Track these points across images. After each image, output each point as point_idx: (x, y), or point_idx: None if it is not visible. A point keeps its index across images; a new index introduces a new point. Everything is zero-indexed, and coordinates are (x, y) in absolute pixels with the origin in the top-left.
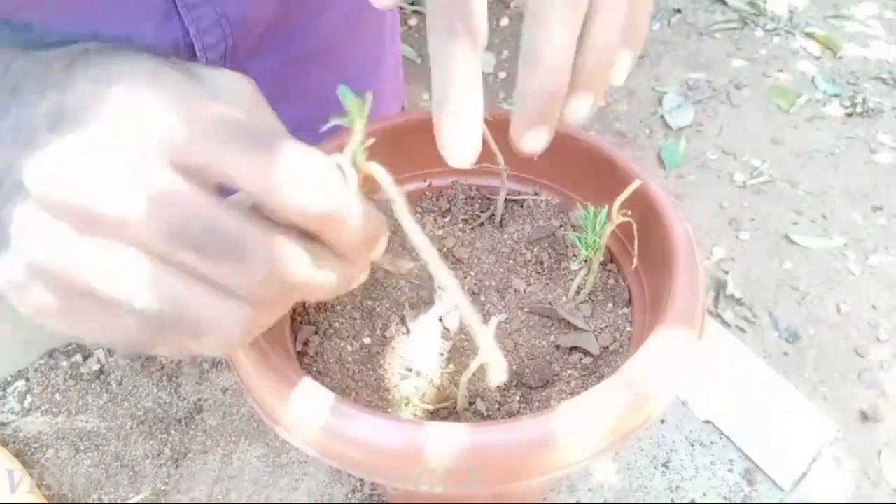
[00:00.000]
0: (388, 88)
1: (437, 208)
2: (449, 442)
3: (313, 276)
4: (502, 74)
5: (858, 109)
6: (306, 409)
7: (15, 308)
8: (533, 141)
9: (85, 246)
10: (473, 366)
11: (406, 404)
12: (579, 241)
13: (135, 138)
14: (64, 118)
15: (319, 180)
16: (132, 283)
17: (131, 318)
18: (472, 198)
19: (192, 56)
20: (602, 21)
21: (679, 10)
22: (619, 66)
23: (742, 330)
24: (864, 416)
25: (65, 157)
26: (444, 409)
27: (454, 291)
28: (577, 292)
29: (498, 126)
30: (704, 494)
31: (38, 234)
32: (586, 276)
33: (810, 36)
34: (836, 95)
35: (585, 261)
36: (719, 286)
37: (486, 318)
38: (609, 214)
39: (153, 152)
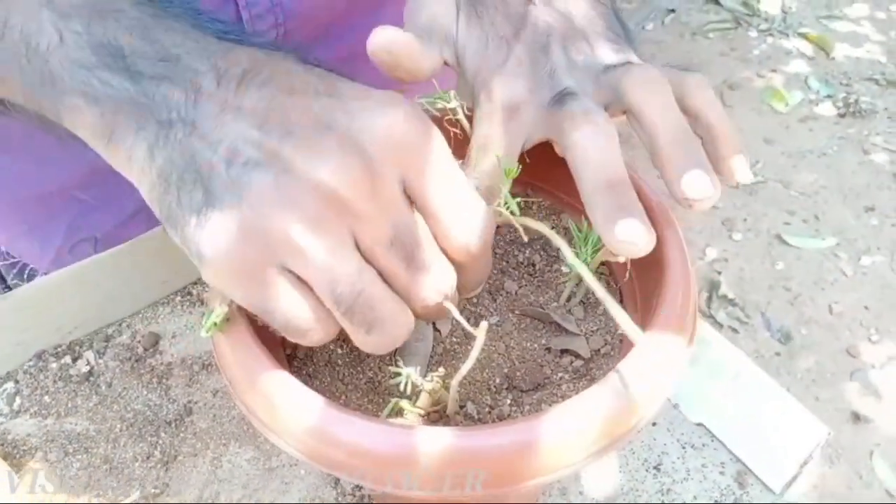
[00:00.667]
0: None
1: None
2: (438, 446)
3: (453, 300)
4: None
5: (851, 110)
6: (295, 413)
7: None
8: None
9: (310, 224)
10: (464, 369)
11: (396, 408)
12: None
13: (387, 157)
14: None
15: (490, 225)
16: (339, 266)
17: (316, 298)
18: None
19: None
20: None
21: (673, 10)
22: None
23: (734, 330)
24: (856, 417)
25: (328, 147)
26: (435, 413)
27: None
28: (569, 298)
29: None
30: (696, 497)
31: (289, 209)
32: (577, 286)
33: (803, 36)
34: (828, 96)
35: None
36: (712, 286)
37: (477, 320)
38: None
39: (392, 165)
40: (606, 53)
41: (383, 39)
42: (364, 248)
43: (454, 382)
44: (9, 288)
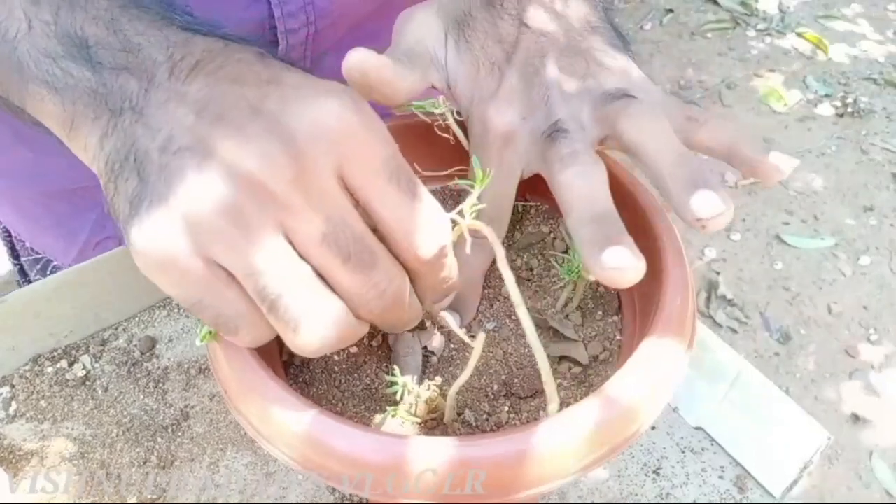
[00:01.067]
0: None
1: None
2: (434, 456)
3: (409, 306)
4: None
5: (849, 110)
6: (289, 422)
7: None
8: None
9: (232, 212)
10: (461, 378)
11: (394, 416)
12: (561, 268)
13: (317, 146)
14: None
15: (443, 230)
16: (261, 258)
17: (243, 293)
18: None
19: (273, 39)
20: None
21: (671, 10)
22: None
23: (733, 330)
24: (856, 417)
25: (264, 136)
26: (433, 420)
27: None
28: (566, 304)
29: None
30: (695, 501)
31: (208, 195)
32: (573, 291)
33: (801, 36)
34: (827, 96)
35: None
36: (711, 287)
37: (475, 326)
38: None
39: (324, 155)
40: (604, 76)
41: (356, 61)
42: (297, 243)
43: (452, 392)
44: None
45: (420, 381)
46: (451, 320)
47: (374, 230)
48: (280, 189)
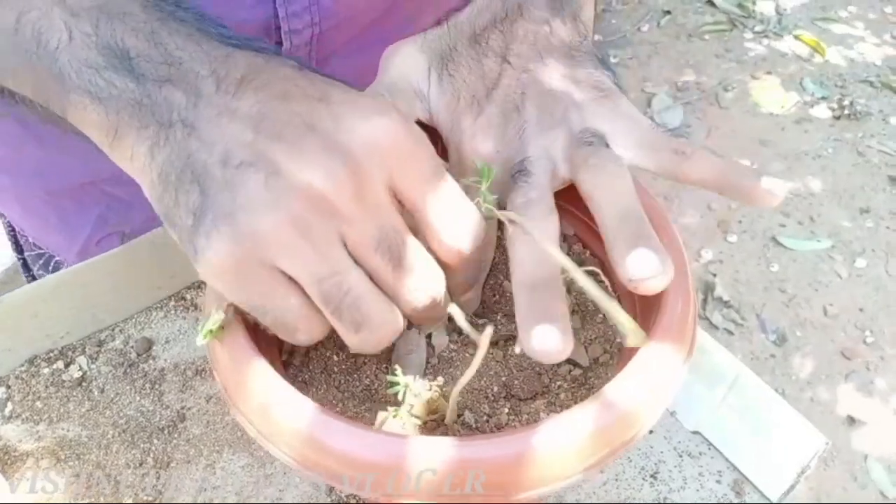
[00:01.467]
0: None
1: None
2: (433, 456)
3: (444, 302)
4: None
5: (846, 112)
6: (289, 421)
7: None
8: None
9: (297, 224)
10: (465, 378)
11: (395, 416)
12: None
13: (371, 161)
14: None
15: (479, 228)
16: (326, 264)
17: (304, 297)
18: None
19: (278, 40)
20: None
21: (669, 12)
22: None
23: (730, 332)
24: (851, 419)
25: (319, 151)
26: (433, 421)
27: None
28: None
29: None
30: None
31: (275, 208)
32: (567, 291)
33: (798, 38)
34: (823, 98)
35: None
36: (707, 288)
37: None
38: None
39: (377, 168)
40: (582, 115)
41: None
42: (352, 249)
43: (454, 393)
44: (34, 278)
45: (422, 374)
46: (457, 313)
47: (416, 233)
48: (342, 202)
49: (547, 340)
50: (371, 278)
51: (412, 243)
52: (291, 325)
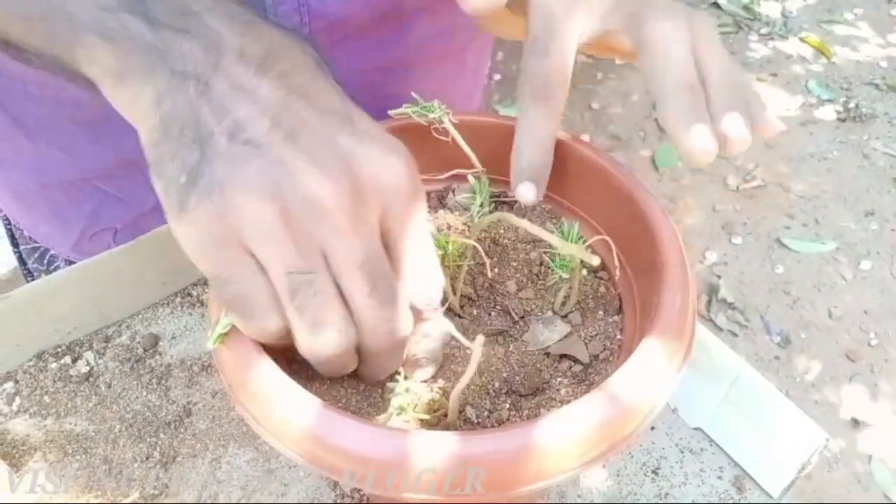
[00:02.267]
0: (462, 99)
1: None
2: (436, 451)
3: (403, 352)
4: (497, 76)
5: (851, 114)
6: (293, 416)
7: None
8: None
9: (284, 217)
10: (463, 381)
11: (398, 413)
12: (552, 261)
13: (375, 192)
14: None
15: (439, 286)
16: (299, 258)
17: (269, 284)
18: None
19: None
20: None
21: None
22: None
23: (734, 334)
24: (856, 422)
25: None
26: (435, 418)
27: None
28: (563, 303)
29: (475, 130)
30: (694, 501)
31: (269, 195)
32: (570, 288)
33: (804, 41)
34: (829, 100)
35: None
36: (712, 290)
37: (476, 326)
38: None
39: (378, 201)
40: None
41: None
42: (333, 264)
43: (454, 394)
44: (29, 272)
45: (435, 364)
46: (450, 325)
47: None
48: (338, 215)
49: (706, 139)
50: (343, 298)
51: (391, 278)
52: (249, 307)
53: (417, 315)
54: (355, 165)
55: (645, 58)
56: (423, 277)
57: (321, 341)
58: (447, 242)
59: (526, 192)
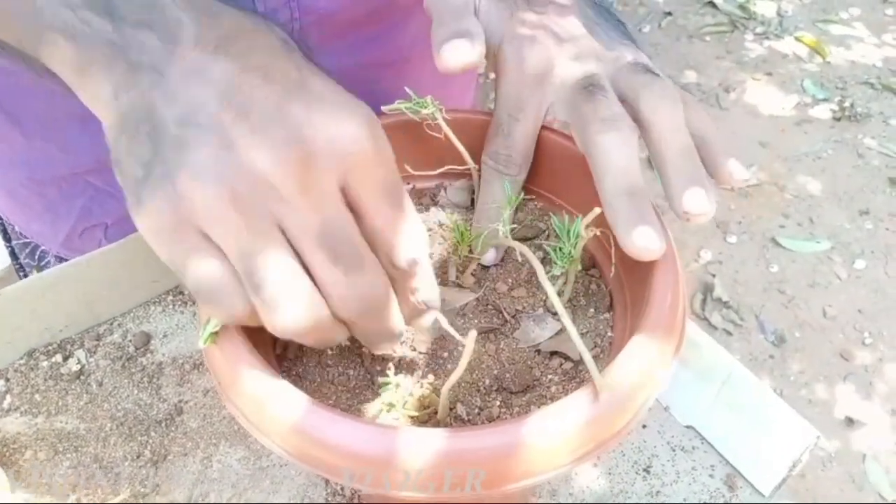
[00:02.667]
0: (455, 97)
1: (420, 208)
2: (426, 447)
3: (388, 318)
4: (491, 74)
5: (846, 114)
6: (283, 413)
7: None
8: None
9: (235, 199)
10: (453, 377)
11: (388, 411)
12: (554, 253)
13: (328, 159)
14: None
15: (421, 244)
16: (254, 240)
17: (230, 269)
18: (458, 204)
19: None
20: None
21: (669, 13)
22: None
23: (728, 333)
24: (850, 420)
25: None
26: (425, 415)
27: None
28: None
29: (468, 127)
30: (685, 499)
31: (215, 179)
32: (564, 284)
33: (799, 40)
34: (824, 99)
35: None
36: (706, 289)
37: (467, 321)
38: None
39: (334, 165)
40: (623, 50)
41: (456, 64)
42: (292, 237)
43: (445, 389)
44: (21, 266)
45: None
46: (442, 320)
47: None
48: (285, 188)
49: (649, 239)
50: (308, 272)
51: (357, 242)
52: (214, 293)
53: (405, 275)
54: (307, 133)
55: (589, 162)
56: (402, 234)
57: (283, 318)
58: (466, 229)
59: (488, 256)
